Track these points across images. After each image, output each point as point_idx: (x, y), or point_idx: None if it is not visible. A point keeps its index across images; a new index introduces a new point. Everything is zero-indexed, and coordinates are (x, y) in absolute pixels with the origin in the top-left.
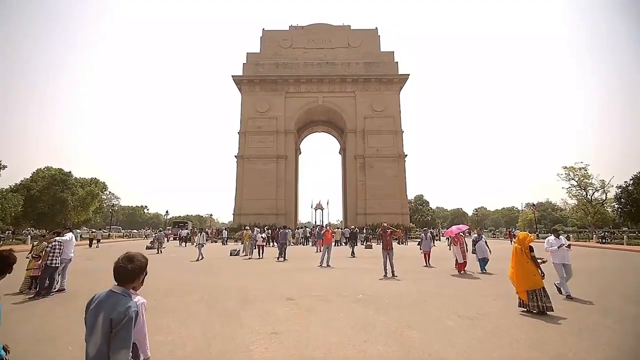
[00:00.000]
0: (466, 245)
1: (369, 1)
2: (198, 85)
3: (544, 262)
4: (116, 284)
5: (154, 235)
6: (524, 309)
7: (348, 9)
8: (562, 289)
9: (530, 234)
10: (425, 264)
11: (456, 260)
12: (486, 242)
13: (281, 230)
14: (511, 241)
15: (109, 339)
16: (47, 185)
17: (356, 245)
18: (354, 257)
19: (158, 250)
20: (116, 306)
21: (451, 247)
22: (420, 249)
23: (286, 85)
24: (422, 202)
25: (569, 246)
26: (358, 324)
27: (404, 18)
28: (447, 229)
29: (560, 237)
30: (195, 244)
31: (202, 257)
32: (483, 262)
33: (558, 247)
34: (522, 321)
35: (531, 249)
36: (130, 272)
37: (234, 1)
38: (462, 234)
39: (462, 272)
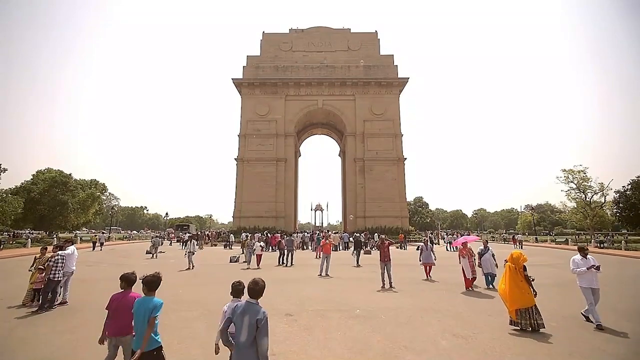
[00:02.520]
0: (475, 258)
1: (369, 4)
2: (199, 88)
3: (533, 280)
4: (249, 297)
5: (151, 239)
6: (515, 327)
7: (348, 12)
8: (591, 316)
9: (523, 254)
10: (425, 277)
11: (464, 274)
12: (493, 255)
13: (287, 237)
14: (514, 245)
15: (254, 331)
16: (48, 188)
17: (361, 253)
18: (359, 266)
19: (153, 255)
20: (257, 312)
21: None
22: (420, 261)
23: (286, 88)
24: (422, 204)
25: (598, 267)
26: (355, 345)
27: (404, 22)
28: (446, 231)
29: (589, 257)
30: (185, 252)
31: (193, 267)
32: (490, 277)
33: (587, 269)
34: (514, 342)
35: (524, 268)
36: (258, 290)
37: (235, 4)
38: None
39: (470, 288)
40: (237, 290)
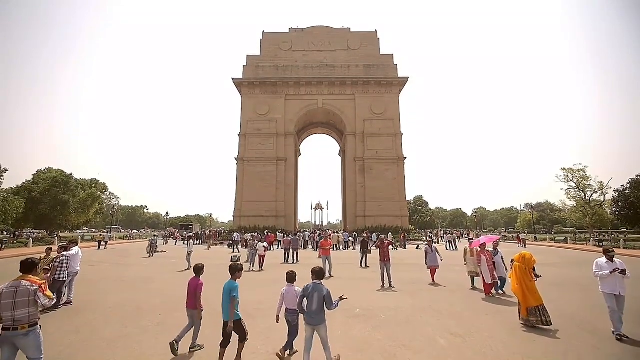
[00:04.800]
0: (494, 262)
1: (368, 4)
2: (199, 87)
3: (539, 277)
4: (314, 279)
5: (148, 239)
6: (525, 324)
7: (348, 12)
8: (613, 323)
9: (534, 255)
10: (432, 282)
11: (483, 279)
12: (502, 259)
13: (292, 237)
14: (519, 245)
15: (322, 302)
16: (48, 187)
17: (368, 253)
18: (367, 267)
19: (151, 253)
20: (323, 290)
21: (466, 258)
22: (427, 264)
23: (286, 87)
24: (422, 203)
25: (623, 271)
26: (355, 344)
27: (403, 21)
28: (445, 230)
29: (615, 260)
30: (187, 251)
31: (190, 267)
32: (500, 281)
33: (610, 272)
34: (511, 340)
35: (533, 268)
36: (322, 274)
37: (235, 4)
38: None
39: (490, 294)
40: (291, 277)
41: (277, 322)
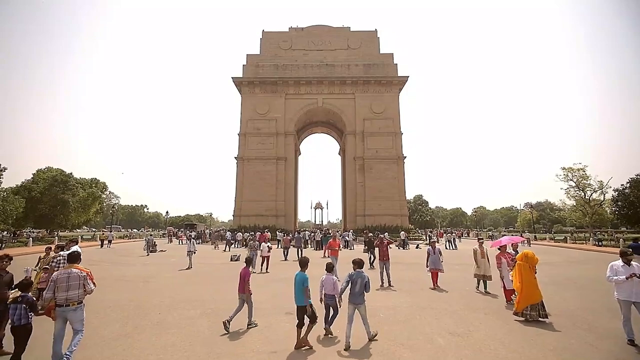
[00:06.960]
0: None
1: (369, 3)
2: (199, 86)
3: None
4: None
5: (145, 238)
6: (520, 318)
7: (348, 11)
8: (625, 331)
9: (535, 255)
10: (433, 286)
11: (503, 285)
12: None
13: (297, 235)
14: (523, 244)
15: (363, 285)
16: (48, 187)
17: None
18: (373, 268)
19: (148, 252)
20: (364, 277)
21: (476, 259)
22: (427, 267)
23: (286, 86)
24: (422, 202)
25: None
26: (353, 342)
27: (403, 20)
28: (445, 229)
29: (633, 263)
30: (187, 251)
31: (191, 266)
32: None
33: (627, 278)
34: (509, 339)
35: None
36: (362, 264)
37: (234, 3)
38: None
39: (510, 301)
40: (330, 268)
41: (321, 302)
